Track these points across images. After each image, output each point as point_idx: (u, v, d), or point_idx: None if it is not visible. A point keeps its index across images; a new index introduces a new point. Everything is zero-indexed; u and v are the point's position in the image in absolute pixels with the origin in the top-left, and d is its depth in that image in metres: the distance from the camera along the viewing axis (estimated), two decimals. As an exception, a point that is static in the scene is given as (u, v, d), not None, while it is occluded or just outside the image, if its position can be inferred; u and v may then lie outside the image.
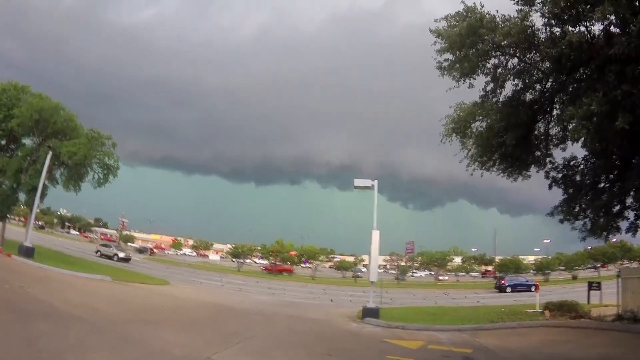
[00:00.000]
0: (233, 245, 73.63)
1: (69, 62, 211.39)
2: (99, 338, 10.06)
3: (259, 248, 73.06)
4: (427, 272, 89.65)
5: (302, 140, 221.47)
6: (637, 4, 11.25)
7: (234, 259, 70.78)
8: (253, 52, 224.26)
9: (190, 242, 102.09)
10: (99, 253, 50.79)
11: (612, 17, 11.51)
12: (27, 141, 34.48)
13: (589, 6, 11.34)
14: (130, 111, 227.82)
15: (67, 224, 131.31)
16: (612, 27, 12.23)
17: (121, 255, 51.41)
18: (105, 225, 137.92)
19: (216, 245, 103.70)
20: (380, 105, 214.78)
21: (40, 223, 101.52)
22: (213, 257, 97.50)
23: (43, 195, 32.36)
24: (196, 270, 54.97)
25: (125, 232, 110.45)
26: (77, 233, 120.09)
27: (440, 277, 77.35)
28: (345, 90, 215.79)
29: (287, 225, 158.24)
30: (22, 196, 34.08)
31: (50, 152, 28.86)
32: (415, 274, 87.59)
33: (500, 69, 14.69)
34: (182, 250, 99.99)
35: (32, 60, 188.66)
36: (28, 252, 25.13)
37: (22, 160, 32.58)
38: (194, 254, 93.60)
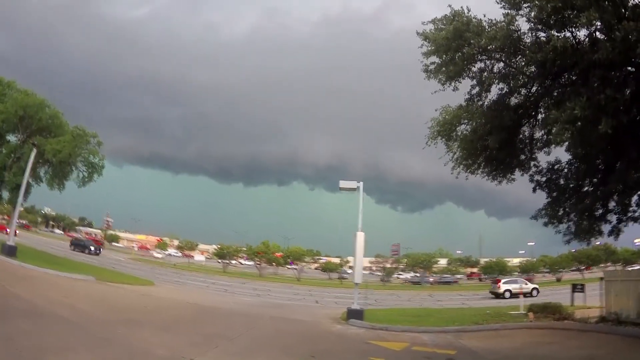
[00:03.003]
0: (218, 246, 73.29)
1: (57, 55, 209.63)
2: (81, 338, 9.99)
3: (245, 249, 72.83)
4: (412, 274, 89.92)
5: (291, 140, 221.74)
6: (622, 10, 11.36)
7: (219, 260, 70.51)
8: (244, 51, 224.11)
9: (176, 242, 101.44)
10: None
11: (598, 23, 11.64)
12: (11, 138, 34.19)
13: (575, 12, 11.43)
14: (118, 107, 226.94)
15: (51, 223, 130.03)
16: (597, 33, 12.36)
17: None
18: (90, 225, 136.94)
19: (202, 246, 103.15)
20: (370, 107, 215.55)
21: (23, 222, 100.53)
22: (198, 257, 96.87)
23: (27, 193, 32.12)
24: (181, 270, 54.66)
25: (110, 232, 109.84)
26: (62, 232, 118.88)
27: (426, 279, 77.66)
28: (334, 92, 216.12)
29: (275, 226, 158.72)
30: (5, 194, 33.86)
31: (35, 150, 28.50)
32: (400, 276, 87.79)
33: (485, 73, 14.77)
34: (167, 250, 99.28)
35: (17, 52, 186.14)
36: (10, 251, 24.81)
37: (6, 158, 32.37)
38: (179, 254, 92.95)
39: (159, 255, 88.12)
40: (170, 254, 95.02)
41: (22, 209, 73.24)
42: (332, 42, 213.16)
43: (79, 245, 58.02)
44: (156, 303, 19.70)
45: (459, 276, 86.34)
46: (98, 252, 57.87)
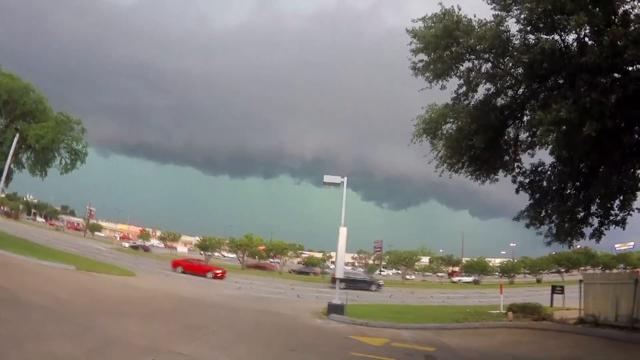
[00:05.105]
0: (201, 238, 72.92)
1: (45, 39, 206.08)
2: (60, 327, 9.86)
3: (228, 241, 72.42)
4: (394, 271, 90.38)
5: (279, 134, 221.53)
6: (612, 16, 11.47)
7: (202, 252, 70.23)
8: (235, 43, 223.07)
9: (158, 233, 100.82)
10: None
11: (587, 28, 11.72)
12: (-6, 122, 33.71)
13: (564, 15, 11.49)
14: (105, 94, 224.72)
15: (33, 210, 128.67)
16: (585, 38, 12.45)
17: None
18: (72, 213, 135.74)
19: (185, 238, 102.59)
20: (359, 104, 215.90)
21: (5, 209, 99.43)
22: (181, 249, 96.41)
23: (8, 179, 31.66)
24: (163, 261, 54.34)
25: (92, 221, 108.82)
26: (44, 220, 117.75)
27: (407, 277, 78.03)
28: (323, 87, 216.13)
29: (259, 219, 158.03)
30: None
31: (17, 135, 28.11)
32: (383, 273, 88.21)
33: (473, 73, 14.88)
34: (149, 241, 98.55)
35: (3, 35, 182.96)
36: (-10, 238, 24.49)
37: (-12, 143, 31.82)
38: (162, 245, 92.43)
39: (127, 245, 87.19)
40: (153, 245, 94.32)
41: (3, 195, 72.18)
42: (323, 37, 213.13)
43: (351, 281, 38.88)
44: (137, 293, 19.59)
45: (440, 274, 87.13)
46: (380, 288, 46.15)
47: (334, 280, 46.36)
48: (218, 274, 41.48)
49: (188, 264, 43.20)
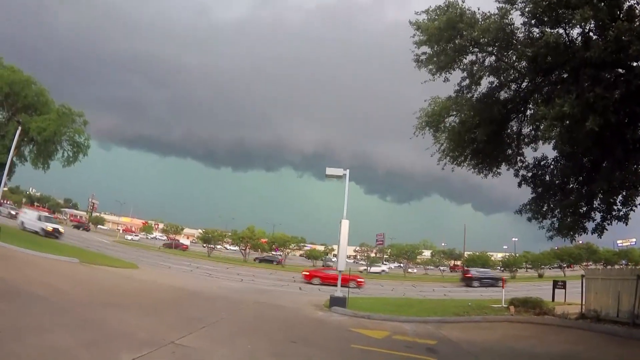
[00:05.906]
0: (203, 231, 73.04)
1: (45, 31, 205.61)
2: (61, 319, 9.89)
3: (230, 234, 72.51)
4: (396, 264, 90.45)
5: (280, 127, 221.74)
6: (616, 10, 11.40)
7: (204, 245, 70.40)
8: (235, 36, 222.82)
9: (161, 225, 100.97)
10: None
11: (591, 22, 11.66)
12: (-5, 115, 33.70)
13: (569, 9, 11.44)
14: (106, 87, 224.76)
15: (36, 203, 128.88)
16: (590, 33, 12.38)
17: None
18: (75, 206, 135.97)
19: (187, 230, 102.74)
20: (360, 97, 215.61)
21: (8, 203, 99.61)
22: (183, 241, 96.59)
23: (11, 172, 31.69)
24: (165, 254, 54.42)
25: (95, 214, 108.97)
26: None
27: (409, 270, 78.08)
28: (325, 81, 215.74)
29: (261, 212, 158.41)
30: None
31: (20, 127, 28.11)
32: (385, 265, 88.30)
33: (476, 66, 14.83)
34: (152, 233, 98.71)
35: (2, 26, 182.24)
36: (-7, 231, 24.48)
37: (-10, 136, 31.82)
38: (164, 237, 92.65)
39: (130, 237, 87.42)
40: (156, 237, 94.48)
41: (6, 189, 72.19)
42: (324, 31, 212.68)
43: (483, 279, 48.54)
44: (139, 286, 19.62)
45: (442, 268, 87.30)
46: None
47: (465, 279, 49.58)
48: (360, 282, 39.17)
49: (326, 275, 38.75)
